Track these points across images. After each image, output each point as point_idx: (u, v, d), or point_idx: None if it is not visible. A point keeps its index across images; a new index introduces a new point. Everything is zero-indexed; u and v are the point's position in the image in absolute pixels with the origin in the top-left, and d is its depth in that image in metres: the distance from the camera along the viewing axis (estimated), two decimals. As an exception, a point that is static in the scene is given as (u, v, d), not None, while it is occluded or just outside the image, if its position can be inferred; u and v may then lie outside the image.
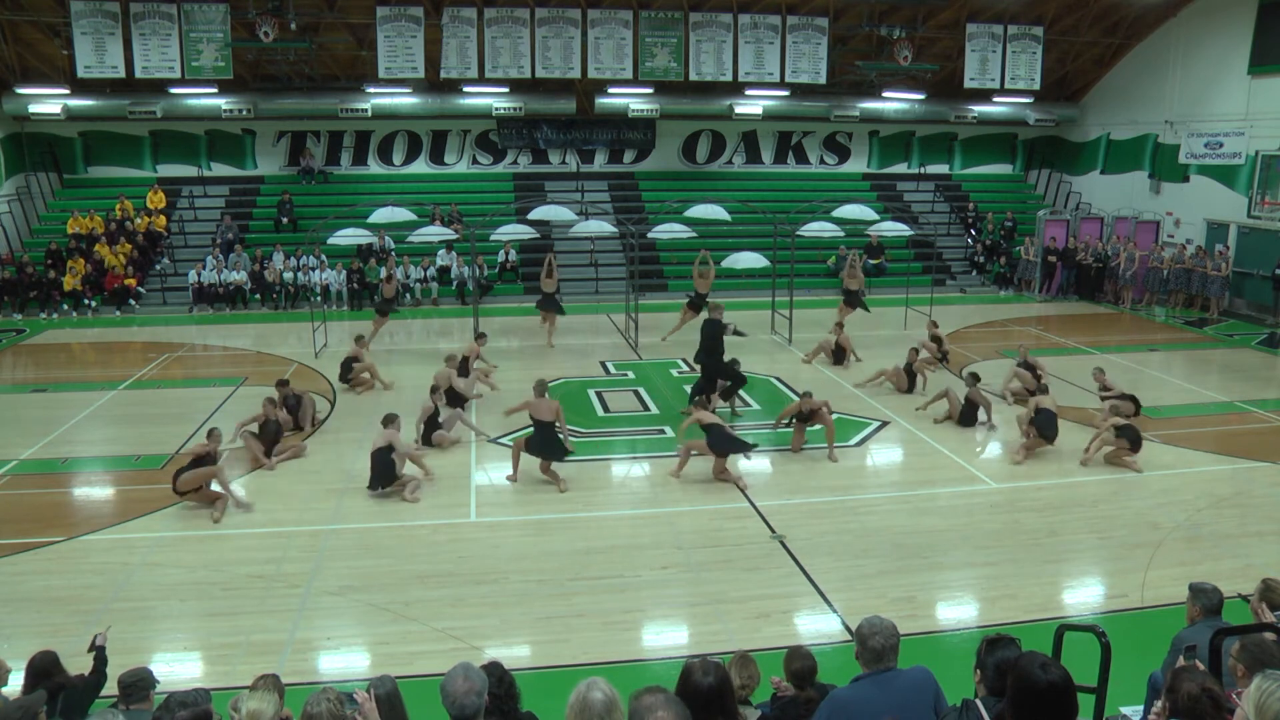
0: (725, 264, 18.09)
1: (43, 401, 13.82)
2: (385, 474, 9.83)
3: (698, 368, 13.37)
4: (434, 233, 19.72)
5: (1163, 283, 21.41)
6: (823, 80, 23.14)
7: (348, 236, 18.79)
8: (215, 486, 9.55)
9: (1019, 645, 3.85)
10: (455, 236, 20.36)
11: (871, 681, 3.81)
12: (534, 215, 19.43)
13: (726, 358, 12.85)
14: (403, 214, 18.76)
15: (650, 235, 20.26)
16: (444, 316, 20.56)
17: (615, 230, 20.67)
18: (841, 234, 20.58)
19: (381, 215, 18.54)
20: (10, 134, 22.41)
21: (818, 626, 7.37)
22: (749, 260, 17.78)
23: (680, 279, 22.75)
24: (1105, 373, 13.00)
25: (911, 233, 20.52)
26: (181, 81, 21.03)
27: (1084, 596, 8.05)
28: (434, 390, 11.88)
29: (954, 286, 23.72)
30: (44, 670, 4.95)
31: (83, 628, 7.12)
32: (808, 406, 11.16)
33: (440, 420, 11.66)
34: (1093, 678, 4.18)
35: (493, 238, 19.99)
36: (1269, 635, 4.32)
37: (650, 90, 23.50)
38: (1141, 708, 4.76)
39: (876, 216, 19.66)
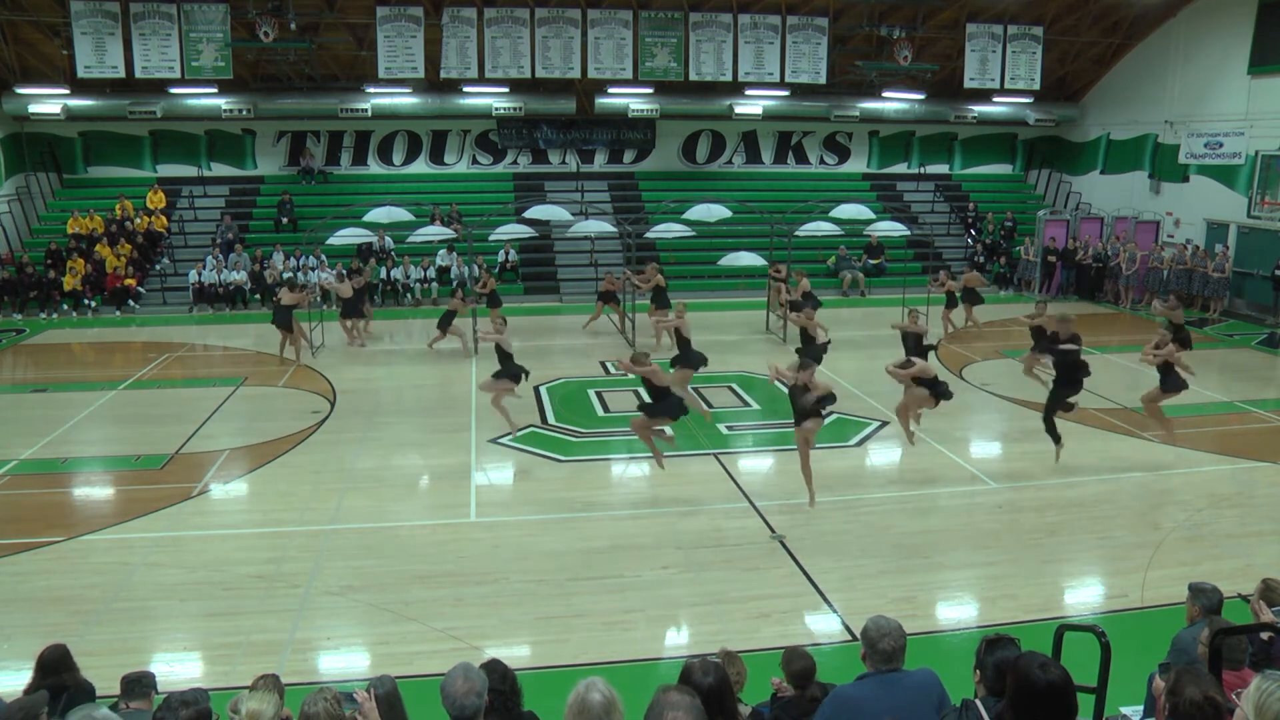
0: (723, 263, 18.10)
1: (43, 401, 13.81)
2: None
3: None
4: (433, 233, 19.74)
5: (1163, 283, 21.40)
6: (823, 80, 23.13)
7: (346, 237, 18.85)
8: None
9: (1019, 645, 3.83)
10: (454, 236, 20.38)
11: (877, 681, 3.79)
12: (531, 214, 19.44)
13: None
14: (400, 214, 18.79)
15: (649, 235, 20.26)
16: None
17: (614, 229, 20.67)
18: (841, 233, 20.60)
19: (379, 215, 18.56)
20: (10, 134, 22.40)
21: (818, 626, 7.37)
22: (746, 260, 17.80)
23: (678, 279, 22.75)
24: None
25: (909, 232, 20.53)
26: (181, 81, 21.02)
27: (1084, 596, 8.04)
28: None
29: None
30: (53, 666, 4.91)
31: (83, 628, 7.13)
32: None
33: None
34: (1093, 678, 4.17)
35: (491, 238, 20.00)
36: (1264, 634, 4.32)
37: (650, 90, 23.49)
38: (1141, 708, 4.76)
39: (874, 216, 19.71)
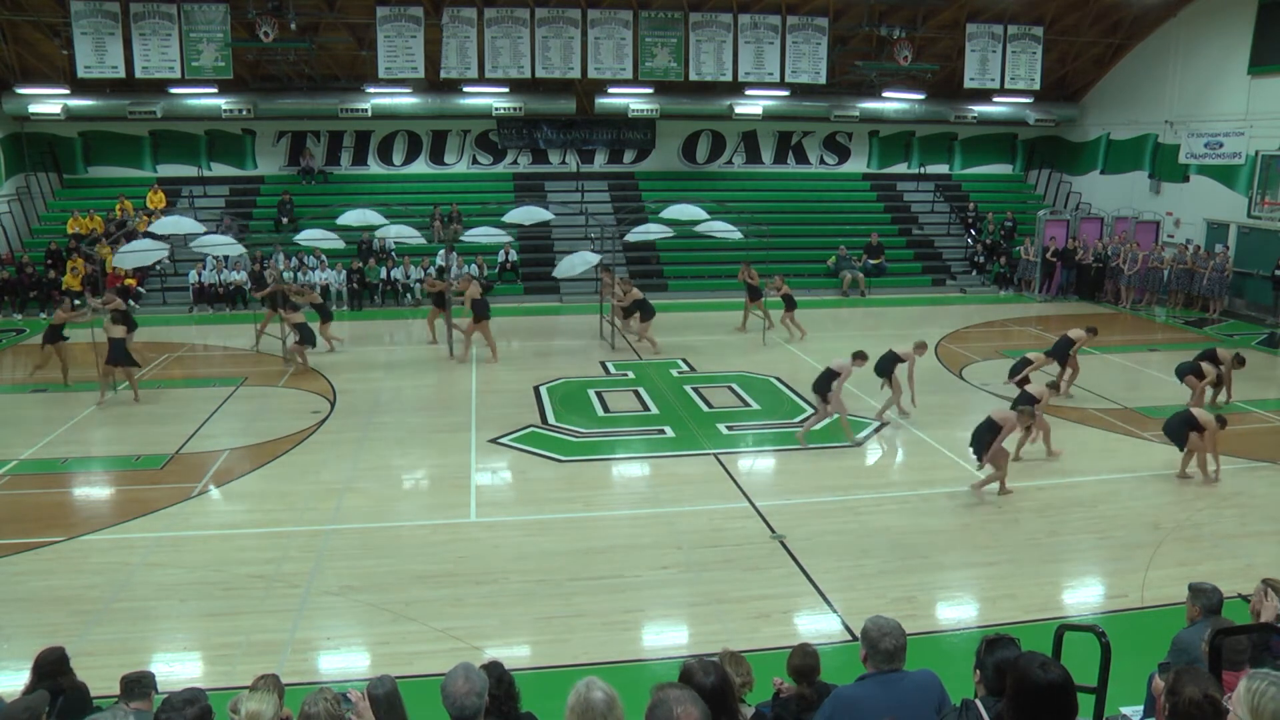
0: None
1: (43, 401, 13.82)
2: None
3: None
4: (405, 233, 19.40)
5: (1163, 283, 21.40)
6: (823, 80, 23.14)
7: (314, 239, 18.92)
8: None
9: (1019, 645, 3.83)
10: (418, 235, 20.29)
11: (877, 681, 3.79)
12: (510, 218, 19.45)
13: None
14: (373, 216, 18.75)
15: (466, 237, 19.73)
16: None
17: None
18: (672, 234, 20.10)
19: (351, 218, 18.56)
20: (10, 134, 22.41)
21: (818, 626, 7.36)
22: (587, 259, 17.63)
23: (678, 279, 22.78)
24: None
25: (741, 234, 19.38)
26: (181, 81, 21.04)
27: (1084, 596, 8.04)
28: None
29: (954, 286, 23.71)
30: (50, 668, 4.90)
31: (83, 628, 7.13)
32: None
33: None
34: (1093, 678, 4.17)
35: (468, 239, 19.89)
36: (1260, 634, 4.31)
37: (650, 90, 23.50)
38: (1141, 708, 4.76)
39: (706, 215, 19.14)
